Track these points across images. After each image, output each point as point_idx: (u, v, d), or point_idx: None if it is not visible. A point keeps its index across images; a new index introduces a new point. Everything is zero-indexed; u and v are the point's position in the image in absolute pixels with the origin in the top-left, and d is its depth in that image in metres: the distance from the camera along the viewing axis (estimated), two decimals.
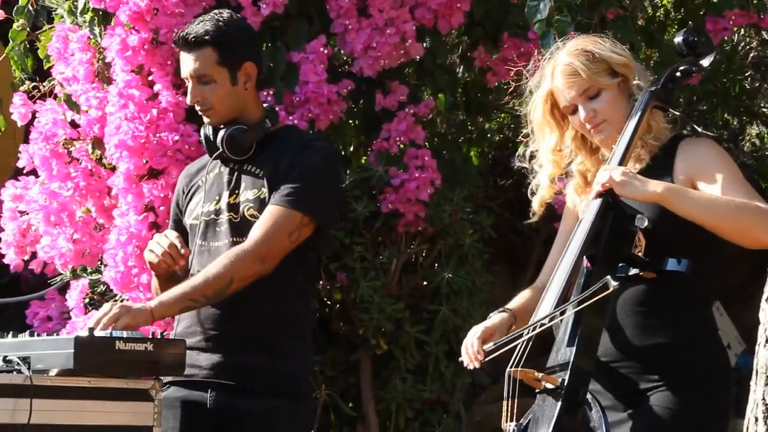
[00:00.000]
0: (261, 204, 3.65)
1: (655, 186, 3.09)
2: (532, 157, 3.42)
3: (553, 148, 3.36)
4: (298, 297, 3.71)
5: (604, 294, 3.01)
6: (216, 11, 3.77)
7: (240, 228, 3.65)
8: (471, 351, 3.29)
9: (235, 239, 3.65)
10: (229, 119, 3.70)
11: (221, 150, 3.69)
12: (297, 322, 3.70)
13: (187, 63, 3.69)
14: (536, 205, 3.45)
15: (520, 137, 3.50)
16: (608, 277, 3.00)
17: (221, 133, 3.69)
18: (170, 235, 3.63)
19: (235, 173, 3.72)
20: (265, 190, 3.65)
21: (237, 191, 3.69)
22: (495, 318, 3.36)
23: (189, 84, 3.70)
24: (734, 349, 4.40)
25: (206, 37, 3.65)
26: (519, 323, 3.35)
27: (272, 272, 3.59)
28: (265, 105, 3.83)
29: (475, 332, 3.32)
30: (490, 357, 3.27)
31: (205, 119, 3.74)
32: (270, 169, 3.67)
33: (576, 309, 3.06)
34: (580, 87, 3.25)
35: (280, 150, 3.70)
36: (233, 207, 3.68)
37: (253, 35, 3.86)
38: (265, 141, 3.72)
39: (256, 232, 3.58)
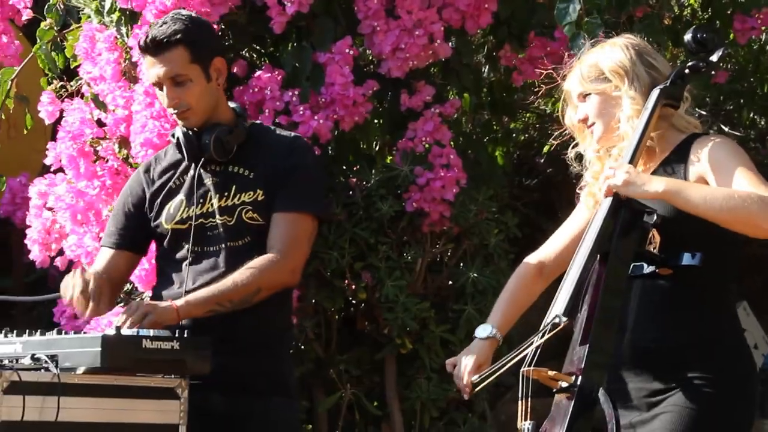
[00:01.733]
0: (258, 206, 3.63)
1: (657, 184, 3.11)
2: (580, 157, 3.44)
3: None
4: (287, 300, 3.73)
5: (556, 330, 3.07)
6: (175, 12, 3.74)
7: (235, 231, 3.63)
8: (460, 384, 3.40)
9: (230, 243, 3.63)
10: (206, 119, 3.65)
11: (208, 153, 3.63)
12: (286, 324, 3.74)
13: (159, 66, 3.61)
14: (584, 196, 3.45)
15: (551, 138, 3.51)
16: (558, 313, 3.07)
17: (207, 135, 3.63)
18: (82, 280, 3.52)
19: (221, 176, 3.68)
20: (261, 192, 3.63)
21: (227, 194, 3.66)
22: (482, 346, 3.41)
23: (162, 89, 3.63)
24: (761, 350, 4.42)
25: (177, 37, 3.59)
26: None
27: None
28: (232, 105, 3.77)
29: (466, 365, 3.39)
30: (478, 389, 3.35)
31: (181, 122, 3.66)
32: (260, 171, 3.65)
33: (530, 348, 3.11)
34: (576, 90, 3.33)
35: (262, 149, 3.67)
36: (226, 210, 3.64)
37: (215, 31, 3.84)
38: (245, 141, 3.69)
39: (281, 243, 3.58)
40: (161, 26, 3.63)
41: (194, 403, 3.45)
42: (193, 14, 3.75)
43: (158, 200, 3.73)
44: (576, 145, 3.44)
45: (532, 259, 3.49)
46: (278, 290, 3.58)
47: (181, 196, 3.70)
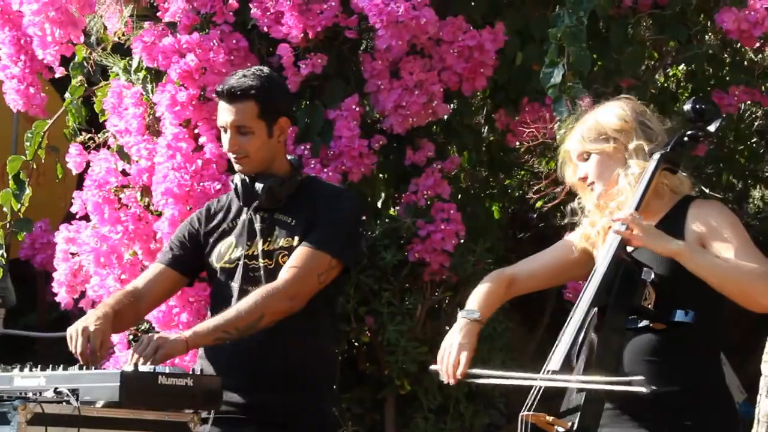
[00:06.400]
0: (292, 251, 3.62)
1: (674, 242, 3.10)
2: (574, 212, 3.41)
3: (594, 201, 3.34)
4: (324, 337, 3.69)
5: (630, 389, 2.96)
6: (257, 68, 3.75)
7: (274, 274, 3.62)
8: (451, 370, 3.25)
9: (268, 284, 3.61)
10: (261, 169, 3.67)
11: (259, 200, 3.66)
12: (323, 360, 3.68)
13: (228, 114, 3.64)
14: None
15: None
16: (642, 378, 2.97)
17: (260, 184, 3.65)
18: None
19: (267, 221, 3.68)
20: (298, 238, 3.62)
21: (270, 239, 3.66)
22: (470, 330, 3.30)
23: (227, 133, 3.66)
24: (736, 398, 4.34)
25: (251, 92, 3.61)
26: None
27: (299, 314, 3.56)
28: (290, 157, 3.79)
29: (462, 350, 3.26)
30: (469, 380, 3.23)
31: (237, 166, 3.69)
32: (301, 218, 3.65)
33: (582, 385, 3.03)
34: (576, 151, 3.30)
35: (310, 200, 3.68)
36: (268, 254, 3.65)
37: (290, 93, 3.85)
38: (296, 191, 3.70)
39: (286, 272, 3.57)
40: (241, 78, 3.66)
41: None
42: (274, 74, 3.77)
43: (212, 238, 3.74)
44: (572, 199, 3.40)
45: (506, 271, 3.44)
46: (281, 316, 3.53)
47: (231, 238, 3.71)
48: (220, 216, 3.77)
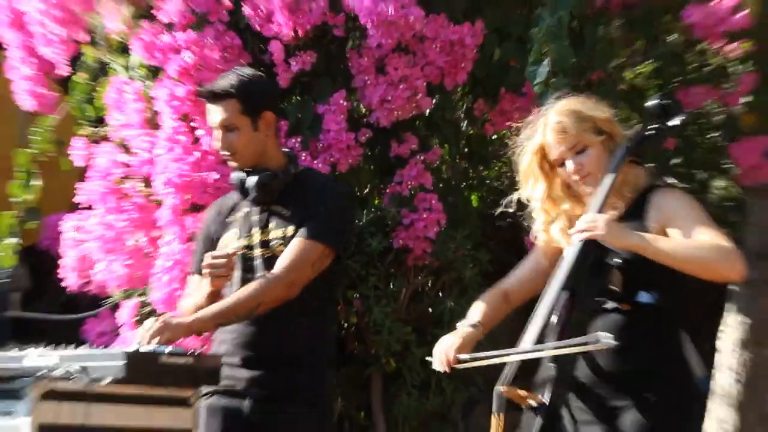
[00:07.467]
0: (288, 241, 3.71)
1: (632, 236, 3.14)
2: (521, 202, 3.45)
3: (542, 197, 3.38)
4: (317, 318, 3.76)
5: (593, 347, 3.02)
6: (238, 67, 3.81)
7: (271, 263, 3.71)
8: (443, 357, 3.28)
9: (267, 273, 3.71)
10: (253, 163, 3.74)
11: (254, 194, 3.74)
12: (316, 339, 3.76)
13: (215, 114, 3.72)
14: (542, 245, 3.46)
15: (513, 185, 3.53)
16: (600, 333, 3.01)
17: (252, 179, 3.72)
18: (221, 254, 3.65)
19: (265, 213, 3.77)
20: (291, 228, 3.69)
21: (266, 229, 3.74)
22: (466, 331, 3.34)
23: (217, 133, 3.73)
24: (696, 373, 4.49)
25: (231, 90, 3.69)
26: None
27: (296, 299, 3.65)
28: (286, 150, 3.86)
29: (451, 344, 3.30)
30: (462, 366, 3.27)
31: (231, 163, 3.77)
32: (295, 209, 3.72)
33: (556, 352, 3.09)
34: (569, 143, 3.28)
35: (303, 191, 3.75)
36: (264, 244, 3.73)
37: (271, 88, 3.89)
38: (290, 183, 3.78)
39: (283, 261, 3.65)
40: (223, 79, 3.73)
41: (230, 407, 3.60)
42: (255, 72, 3.80)
43: (220, 230, 3.81)
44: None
45: (499, 285, 3.48)
46: (278, 303, 3.62)
47: (235, 229, 3.79)
48: (227, 209, 3.85)
